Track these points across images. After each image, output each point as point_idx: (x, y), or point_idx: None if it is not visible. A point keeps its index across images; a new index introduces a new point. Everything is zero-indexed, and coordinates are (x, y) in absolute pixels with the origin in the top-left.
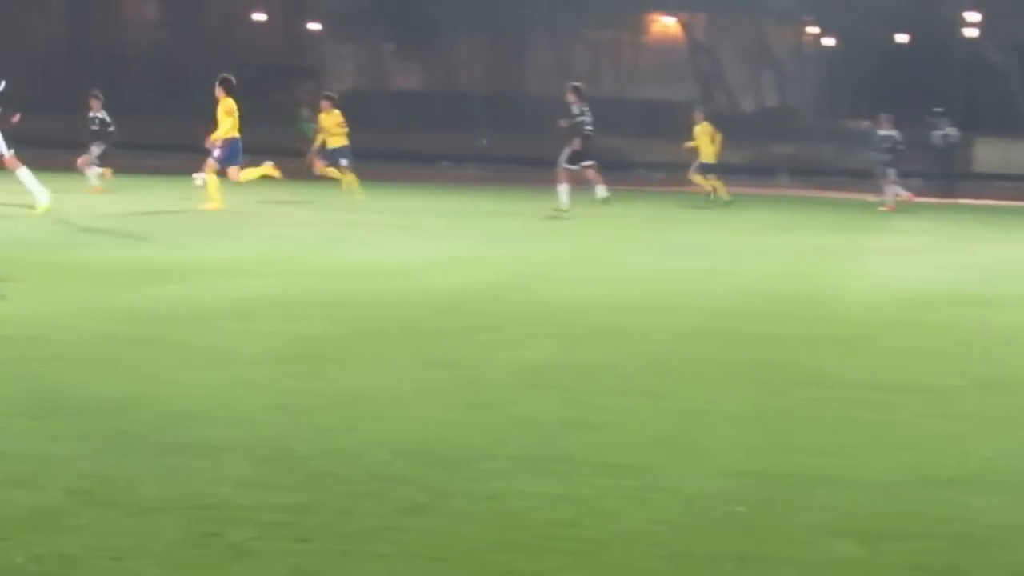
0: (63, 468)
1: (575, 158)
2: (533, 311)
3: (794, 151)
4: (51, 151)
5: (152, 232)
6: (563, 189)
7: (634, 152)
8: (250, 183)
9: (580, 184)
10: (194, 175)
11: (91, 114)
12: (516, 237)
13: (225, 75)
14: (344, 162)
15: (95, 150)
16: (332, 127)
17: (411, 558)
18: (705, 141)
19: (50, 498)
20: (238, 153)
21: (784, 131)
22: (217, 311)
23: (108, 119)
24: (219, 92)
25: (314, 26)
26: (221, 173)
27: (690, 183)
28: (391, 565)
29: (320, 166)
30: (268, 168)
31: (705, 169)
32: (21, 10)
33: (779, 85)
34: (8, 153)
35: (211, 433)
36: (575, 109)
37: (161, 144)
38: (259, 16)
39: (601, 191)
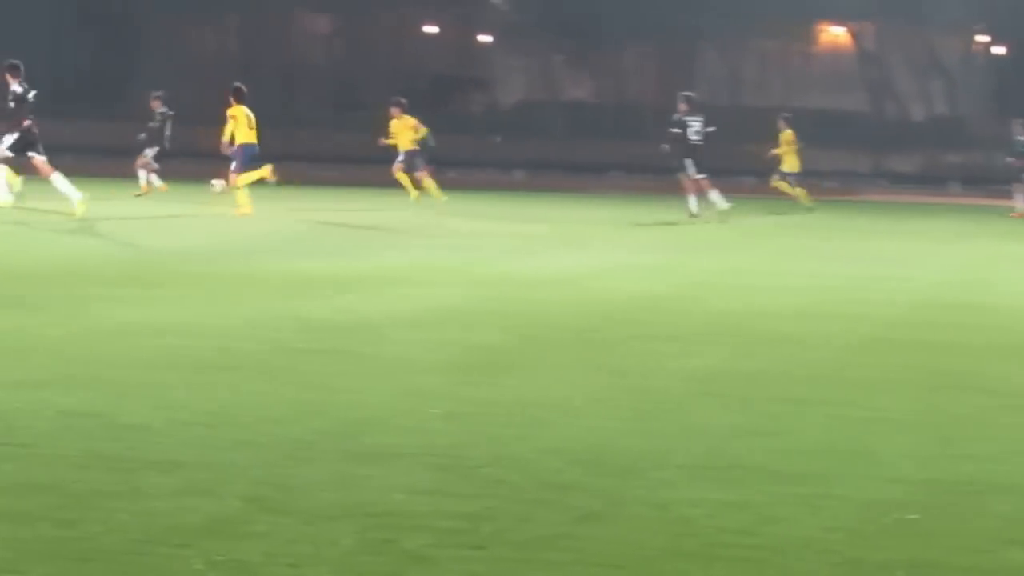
0: (240, 476)
1: (699, 167)
2: (702, 319)
3: (964, 160)
4: (225, 162)
5: (323, 243)
6: (714, 196)
7: (804, 161)
8: (253, 185)
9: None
10: (212, 181)
11: (158, 111)
12: (684, 246)
13: (236, 84)
14: (404, 165)
15: (149, 152)
16: (403, 132)
17: (585, 566)
18: (789, 149)
19: (227, 506)
20: (255, 158)
21: (954, 140)
22: (390, 320)
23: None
24: (231, 100)
25: (485, 38)
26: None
27: (776, 190)
28: (565, 573)
29: (398, 171)
30: (265, 171)
31: (787, 177)
32: (195, 25)
33: (949, 94)
34: (7, 154)
35: (386, 441)
36: (675, 117)
37: (334, 156)
38: (431, 28)
39: (692, 204)
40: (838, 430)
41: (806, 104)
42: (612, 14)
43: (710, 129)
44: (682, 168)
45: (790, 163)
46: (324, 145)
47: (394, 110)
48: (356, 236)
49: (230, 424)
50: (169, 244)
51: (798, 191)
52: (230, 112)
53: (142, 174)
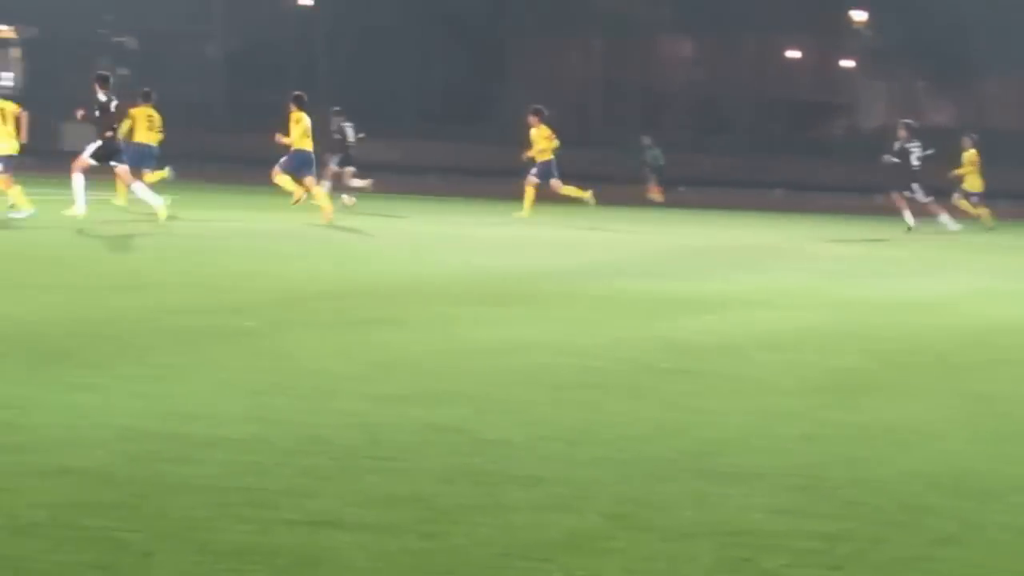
0: (600, 492)
1: (926, 191)
2: None
3: None
4: (584, 183)
5: (684, 264)
6: (943, 218)
7: (986, 181)
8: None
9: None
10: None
11: (337, 126)
12: None
13: (297, 93)
14: (553, 180)
15: (334, 165)
16: (540, 142)
17: None
18: (972, 169)
19: (588, 521)
20: (309, 163)
21: None
22: (749, 341)
23: (347, 132)
24: (291, 107)
25: (847, 63)
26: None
27: (956, 209)
28: None
29: (559, 186)
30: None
31: (970, 197)
32: (561, 47)
33: None
34: (88, 161)
35: (744, 461)
36: (897, 145)
37: (699, 179)
38: (793, 53)
39: (910, 218)
40: None
41: None
42: (976, 41)
43: (929, 152)
44: (908, 191)
45: (972, 183)
46: (685, 168)
47: (532, 119)
48: (716, 257)
49: (591, 441)
50: (524, 263)
51: (981, 211)
52: (292, 118)
53: (355, 183)
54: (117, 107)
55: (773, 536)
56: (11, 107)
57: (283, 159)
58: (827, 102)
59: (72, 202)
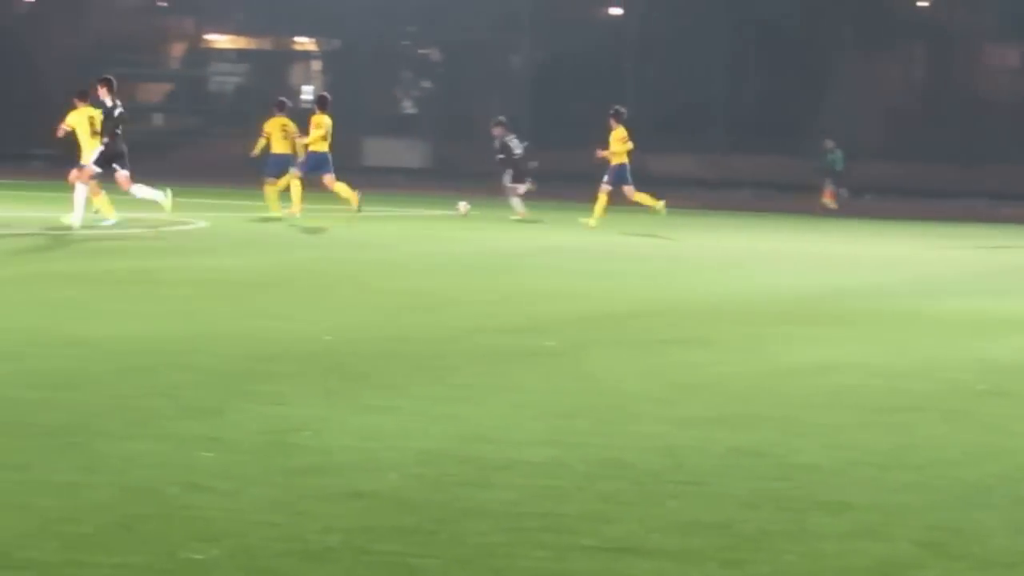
0: (911, 519)
1: None
2: None
3: None
4: (904, 197)
5: (1003, 281)
6: None
7: None
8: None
9: None
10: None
11: (499, 142)
12: None
13: (321, 94)
14: (626, 186)
15: (507, 179)
16: (615, 145)
17: None
18: None
19: (898, 549)
20: (324, 163)
21: None
22: None
23: (511, 144)
24: (315, 109)
25: None
26: (304, 182)
27: None
28: None
29: (632, 193)
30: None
31: None
32: (879, 55)
33: None
34: (93, 169)
35: None
36: None
37: (1022, 194)
38: None
39: None
40: None
41: None
42: None
43: None
44: None
45: None
46: (1013, 182)
47: (611, 120)
48: None
49: (902, 465)
50: (831, 280)
51: None
52: (313, 121)
53: (515, 201)
54: (120, 114)
55: None
56: (99, 116)
57: (299, 161)
58: None
59: (72, 211)
